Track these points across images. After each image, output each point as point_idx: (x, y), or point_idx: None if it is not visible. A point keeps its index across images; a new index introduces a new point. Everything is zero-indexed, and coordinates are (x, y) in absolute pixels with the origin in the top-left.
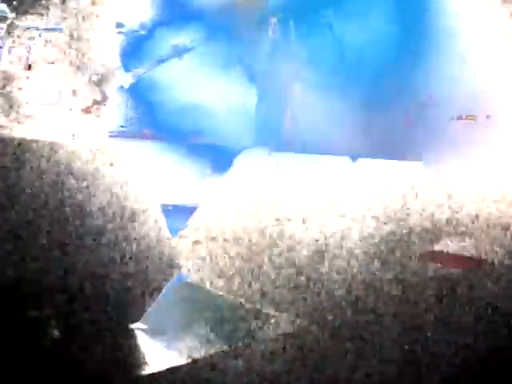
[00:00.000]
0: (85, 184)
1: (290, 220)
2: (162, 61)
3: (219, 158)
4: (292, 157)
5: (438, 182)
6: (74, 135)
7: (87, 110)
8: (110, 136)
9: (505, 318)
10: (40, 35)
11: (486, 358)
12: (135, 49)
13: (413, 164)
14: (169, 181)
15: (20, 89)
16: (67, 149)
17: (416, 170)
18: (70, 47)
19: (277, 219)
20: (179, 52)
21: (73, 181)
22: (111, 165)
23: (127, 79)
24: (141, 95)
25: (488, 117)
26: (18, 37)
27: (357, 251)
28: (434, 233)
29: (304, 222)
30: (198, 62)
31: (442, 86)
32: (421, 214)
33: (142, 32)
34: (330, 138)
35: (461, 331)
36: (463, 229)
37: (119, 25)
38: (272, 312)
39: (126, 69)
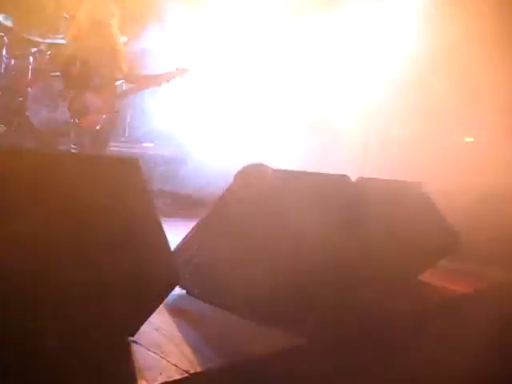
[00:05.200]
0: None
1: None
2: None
3: None
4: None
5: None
6: (73, 147)
7: (89, 122)
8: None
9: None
10: (44, 47)
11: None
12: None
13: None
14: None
15: (22, 98)
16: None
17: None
18: (74, 59)
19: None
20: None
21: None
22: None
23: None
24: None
25: None
26: (23, 47)
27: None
28: (432, 253)
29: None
30: None
31: None
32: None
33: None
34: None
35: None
36: (463, 249)
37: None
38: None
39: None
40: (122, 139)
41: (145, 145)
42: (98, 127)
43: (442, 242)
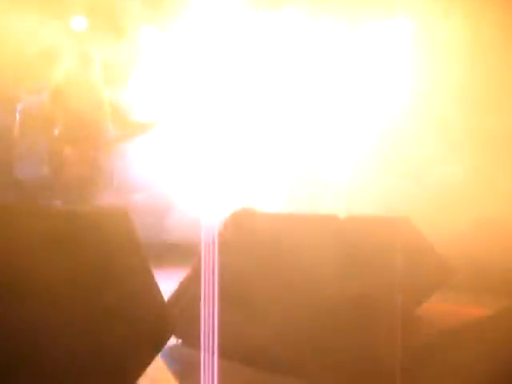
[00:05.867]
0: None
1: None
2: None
3: None
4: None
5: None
6: (59, 201)
7: (70, 176)
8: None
9: None
10: (29, 102)
11: None
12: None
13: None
14: None
15: (9, 151)
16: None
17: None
18: (55, 113)
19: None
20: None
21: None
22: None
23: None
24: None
25: None
26: (9, 103)
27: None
28: (426, 286)
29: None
30: None
31: None
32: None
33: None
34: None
35: None
36: (457, 280)
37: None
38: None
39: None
40: (111, 189)
41: (132, 194)
42: (80, 180)
43: (434, 275)
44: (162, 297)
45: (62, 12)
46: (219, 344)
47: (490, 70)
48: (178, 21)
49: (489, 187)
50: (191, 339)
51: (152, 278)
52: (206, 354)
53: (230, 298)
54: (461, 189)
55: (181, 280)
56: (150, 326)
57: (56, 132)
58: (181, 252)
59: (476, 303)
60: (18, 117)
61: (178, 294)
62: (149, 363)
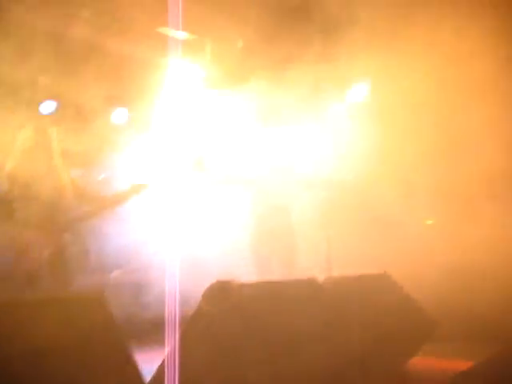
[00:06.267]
0: None
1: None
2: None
3: None
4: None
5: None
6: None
7: (30, 262)
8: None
9: None
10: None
11: None
12: None
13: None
14: None
15: None
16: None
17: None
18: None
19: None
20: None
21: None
22: None
23: None
24: None
25: None
26: None
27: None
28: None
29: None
30: None
31: None
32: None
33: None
34: None
35: None
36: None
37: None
38: None
39: None
40: (85, 270)
41: (110, 272)
42: (48, 264)
43: (419, 329)
44: (142, 378)
45: (28, 98)
46: None
47: (453, 129)
48: (149, 102)
49: (461, 238)
50: None
51: (132, 359)
52: None
53: (211, 372)
54: (434, 242)
55: (163, 358)
56: None
57: (16, 216)
58: (160, 328)
59: (461, 353)
60: None
61: (161, 373)
62: None
